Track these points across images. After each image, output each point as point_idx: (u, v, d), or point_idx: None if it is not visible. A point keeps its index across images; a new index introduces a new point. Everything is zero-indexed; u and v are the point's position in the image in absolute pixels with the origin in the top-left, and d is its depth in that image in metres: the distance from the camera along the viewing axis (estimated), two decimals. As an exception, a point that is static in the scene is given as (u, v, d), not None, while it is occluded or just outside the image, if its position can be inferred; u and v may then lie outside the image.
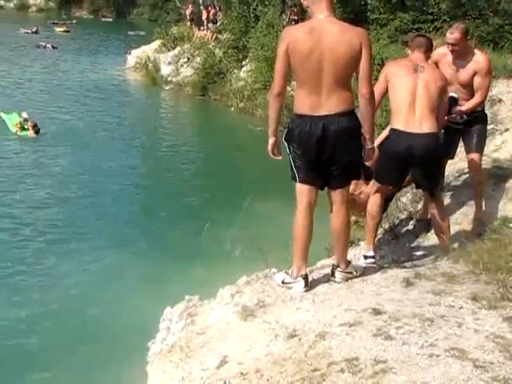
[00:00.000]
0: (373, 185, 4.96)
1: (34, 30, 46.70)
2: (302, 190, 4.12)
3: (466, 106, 5.36)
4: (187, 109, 24.05)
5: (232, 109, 22.29)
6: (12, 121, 17.44)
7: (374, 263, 4.67)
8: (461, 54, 5.29)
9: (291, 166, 4.14)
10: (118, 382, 6.40)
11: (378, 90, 4.61)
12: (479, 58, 5.32)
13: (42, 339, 7.56)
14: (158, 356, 4.09)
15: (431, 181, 4.83)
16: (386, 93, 4.87)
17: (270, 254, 5.16)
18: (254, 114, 21.02)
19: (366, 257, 4.75)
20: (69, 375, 6.78)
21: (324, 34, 3.85)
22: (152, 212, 12.00)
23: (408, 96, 4.65)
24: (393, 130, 4.75)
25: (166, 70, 27.00)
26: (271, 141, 4.15)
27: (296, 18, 22.48)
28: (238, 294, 4.16)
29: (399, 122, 4.68)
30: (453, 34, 5.23)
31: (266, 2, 23.02)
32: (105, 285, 8.77)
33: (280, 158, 4.17)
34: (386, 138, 4.85)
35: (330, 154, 3.98)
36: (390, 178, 4.92)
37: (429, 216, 5.34)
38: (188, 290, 4.87)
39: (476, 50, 5.54)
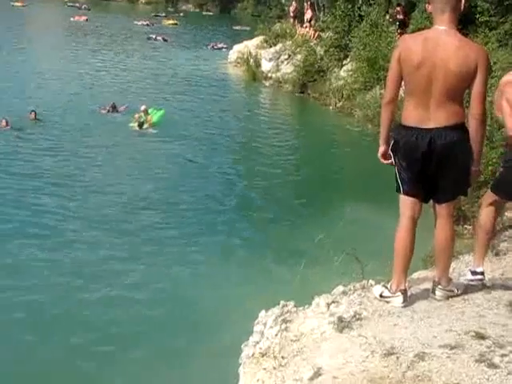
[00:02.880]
0: (489, 197, 4.68)
1: (146, 22, 48.74)
2: (406, 203, 4.03)
3: None
4: (286, 106, 24.08)
5: (330, 108, 22.15)
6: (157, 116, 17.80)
7: (481, 280, 4.45)
8: None
9: (396, 178, 4.05)
10: (209, 379, 6.47)
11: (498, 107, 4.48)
12: None
13: (138, 336, 7.68)
14: (250, 359, 4.11)
15: None
16: None
17: (367, 264, 5.08)
18: (352, 114, 20.83)
19: (474, 272, 4.50)
20: (161, 369, 6.90)
21: (439, 46, 3.74)
22: (250, 211, 11.90)
23: None
24: None
25: (266, 65, 27.14)
26: (382, 148, 4.08)
27: (401, 17, 22.05)
28: (334, 303, 4.10)
29: None
30: None
31: (371, 1, 22.65)
32: (201, 283, 8.83)
33: (391, 161, 4.08)
34: None
35: (436, 167, 3.87)
36: None
37: None
38: (282, 294, 4.87)
39: None
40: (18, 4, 56.59)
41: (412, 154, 3.88)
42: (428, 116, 3.82)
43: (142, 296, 8.57)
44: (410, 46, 3.83)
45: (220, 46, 36.85)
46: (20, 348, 7.32)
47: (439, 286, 4.05)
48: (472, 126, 3.86)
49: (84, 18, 49.42)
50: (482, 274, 4.47)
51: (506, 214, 6.61)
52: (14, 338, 7.51)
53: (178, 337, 7.51)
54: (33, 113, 16.96)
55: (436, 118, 3.81)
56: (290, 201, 12.33)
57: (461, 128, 3.87)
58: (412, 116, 3.88)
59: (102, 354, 7.23)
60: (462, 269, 5.04)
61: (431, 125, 3.82)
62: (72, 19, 48.42)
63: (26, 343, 7.39)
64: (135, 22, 48.96)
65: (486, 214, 4.65)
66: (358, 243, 6.73)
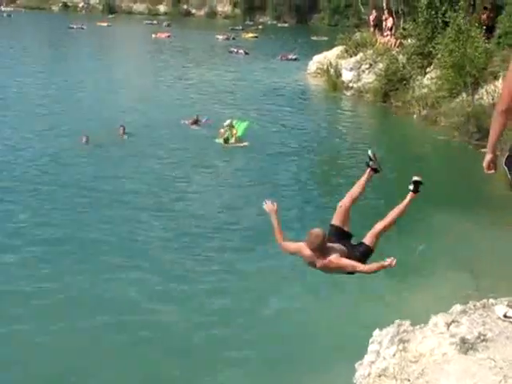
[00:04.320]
0: None
1: (227, 36, 49.71)
2: (527, 218, 3.85)
3: None
4: (368, 115, 23.77)
5: (414, 116, 21.73)
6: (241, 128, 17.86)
7: None
8: None
9: None
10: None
11: None
12: None
13: (238, 354, 7.51)
14: (366, 379, 4.01)
15: None
16: None
17: (481, 279, 4.88)
18: (437, 122, 20.36)
19: None
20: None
21: None
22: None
23: None
24: None
25: (347, 75, 26.94)
26: (489, 157, 3.96)
27: (487, 21, 21.44)
28: (454, 323, 3.94)
29: None
30: None
31: (456, 7, 22.07)
32: (308, 300, 8.56)
33: (494, 172, 3.94)
34: None
35: None
36: None
37: None
38: (392, 311, 4.76)
39: None
40: (104, 24, 58.90)
41: None
42: None
43: (245, 317, 8.39)
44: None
45: (290, 56, 37.15)
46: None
47: None
48: None
49: (166, 34, 50.52)
50: None
51: None
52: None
53: (289, 355, 7.33)
54: (121, 128, 17.41)
55: None
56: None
57: None
58: None
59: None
60: None
61: None
62: (154, 36, 49.62)
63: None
64: (217, 37, 49.81)
65: None
66: (461, 256, 6.49)
